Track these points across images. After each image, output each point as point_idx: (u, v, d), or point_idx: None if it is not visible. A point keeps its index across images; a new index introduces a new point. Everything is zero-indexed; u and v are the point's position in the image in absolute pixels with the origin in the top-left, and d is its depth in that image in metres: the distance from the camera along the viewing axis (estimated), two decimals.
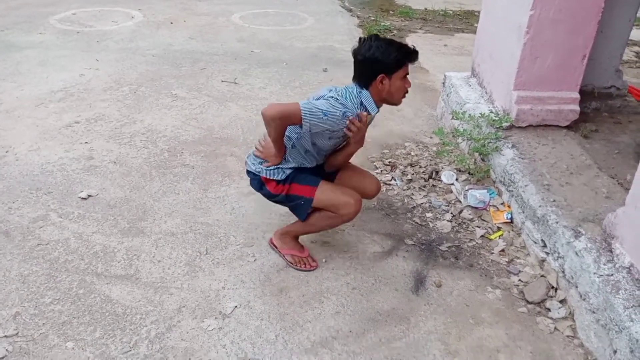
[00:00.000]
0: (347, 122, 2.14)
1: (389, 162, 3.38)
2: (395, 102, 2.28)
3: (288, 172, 2.30)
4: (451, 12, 7.29)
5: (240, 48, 5.53)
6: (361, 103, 2.22)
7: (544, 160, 2.85)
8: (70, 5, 6.82)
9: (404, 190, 3.08)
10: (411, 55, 2.20)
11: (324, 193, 2.26)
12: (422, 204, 2.96)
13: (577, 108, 3.14)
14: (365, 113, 2.19)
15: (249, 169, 2.37)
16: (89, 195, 2.91)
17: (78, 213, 2.77)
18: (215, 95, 4.32)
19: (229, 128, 3.78)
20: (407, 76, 2.24)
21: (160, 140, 3.54)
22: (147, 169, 3.20)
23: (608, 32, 3.33)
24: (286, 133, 2.25)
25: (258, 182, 2.35)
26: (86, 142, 3.47)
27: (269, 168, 2.29)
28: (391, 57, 2.15)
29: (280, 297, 2.28)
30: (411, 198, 3.01)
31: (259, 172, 2.31)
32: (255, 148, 2.38)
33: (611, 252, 2.11)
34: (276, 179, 2.30)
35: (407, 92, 2.27)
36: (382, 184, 3.13)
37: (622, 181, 2.68)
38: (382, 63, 2.15)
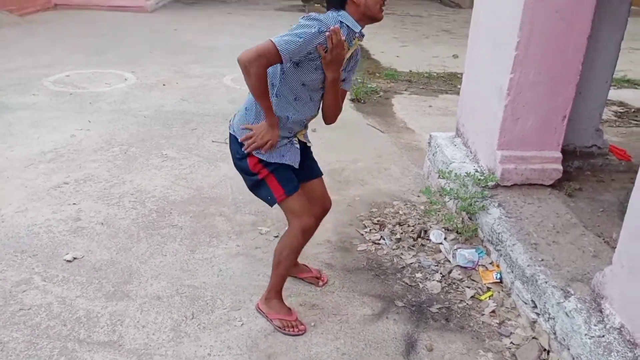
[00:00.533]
0: (326, 38, 2.01)
1: (378, 220, 3.39)
2: (374, 15, 2.13)
3: (275, 154, 2.23)
4: (435, 74, 7.54)
5: (232, 109, 5.63)
6: (341, 24, 2.10)
7: (530, 219, 2.88)
8: (64, 68, 6.97)
9: (393, 249, 3.08)
10: None
11: (289, 202, 2.26)
12: (411, 263, 2.95)
13: (560, 167, 3.21)
14: (337, 27, 2.03)
15: (232, 132, 2.29)
16: (74, 258, 2.87)
17: (62, 276, 2.72)
18: (205, 155, 4.37)
19: (218, 188, 3.80)
20: None
21: (149, 201, 3.54)
22: (134, 230, 3.18)
23: (586, 93, 3.46)
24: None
25: (241, 155, 2.26)
26: (74, 203, 3.46)
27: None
28: None
29: None
30: (400, 258, 3.00)
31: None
32: (242, 142, 2.24)
33: (601, 312, 2.10)
34: (260, 157, 2.22)
35: (383, 4, 2.14)
36: (371, 243, 3.13)
37: (608, 239, 2.71)
38: None
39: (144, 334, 2.35)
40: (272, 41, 1.97)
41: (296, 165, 2.30)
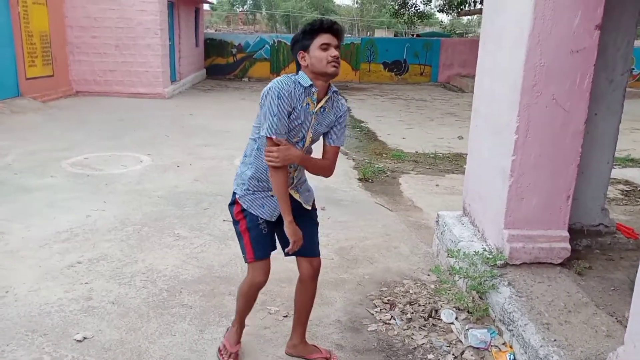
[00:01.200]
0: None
1: (388, 300, 3.38)
2: (326, 71, 2.28)
3: (256, 204, 2.46)
4: (441, 154, 7.74)
5: None
6: (298, 83, 2.31)
7: (541, 298, 2.87)
8: (83, 151, 7.25)
9: (404, 330, 3.05)
10: (319, 24, 2.28)
11: (254, 265, 2.53)
12: (423, 344, 2.91)
13: (568, 246, 3.23)
14: (283, 140, 2.29)
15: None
16: (85, 338, 2.87)
17: (72, 356, 2.71)
18: (216, 234, 4.44)
19: (228, 266, 3.83)
20: (331, 47, 2.27)
21: (160, 280, 3.58)
22: (145, 310, 3.19)
23: (589, 174, 3.56)
24: (250, 136, 2.43)
25: (233, 199, 2.54)
26: (86, 283, 3.50)
27: (243, 192, 2.47)
28: (300, 33, 2.32)
29: None
30: (412, 338, 2.97)
31: (236, 192, 2.51)
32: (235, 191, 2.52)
33: None
34: (242, 204, 2.47)
35: (334, 60, 2.27)
36: (382, 323, 3.11)
37: (621, 319, 2.68)
38: (296, 43, 2.33)
39: None
40: (266, 137, 2.30)
41: (272, 219, 2.48)
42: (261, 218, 2.47)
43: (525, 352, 2.59)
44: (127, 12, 12.87)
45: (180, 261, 3.89)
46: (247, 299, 2.66)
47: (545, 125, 3.10)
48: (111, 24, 12.97)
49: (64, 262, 3.80)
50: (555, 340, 2.46)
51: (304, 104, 2.33)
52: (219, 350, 2.72)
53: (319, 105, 2.37)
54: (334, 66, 2.28)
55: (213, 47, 19.63)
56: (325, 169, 2.49)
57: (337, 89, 2.44)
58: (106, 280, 3.55)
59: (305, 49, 2.30)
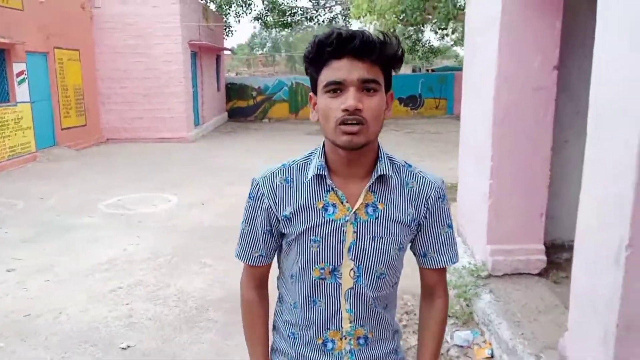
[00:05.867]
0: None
1: None
2: (334, 140, 1.23)
3: None
4: (449, 184, 8.19)
5: None
6: (302, 169, 1.33)
7: (517, 302, 3.31)
8: (116, 193, 7.93)
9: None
10: (323, 40, 1.19)
11: None
12: (415, 345, 3.35)
13: (544, 257, 3.67)
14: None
15: None
16: (128, 346, 3.40)
17: None
18: (237, 262, 4.95)
19: None
20: (348, 87, 1.19)
21: (190, 300, 4.11)
22: (177, 324, 3.72)
23: (562, 194, 4.00)
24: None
25: None
26: (127, 304, 4.05)
27: None
28: (304, 57, 1.26)
29: None
30: (406, 341, 3.41)
31: None
32: None
33: None
34: None
35: (349, 119, 1.18)
36: None
37: None
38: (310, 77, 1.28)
39: None
40: (243, 266, 1.48)
41: None
42: None
43: (500, 347, 3.02)
44: (153, 63, 13.88)
45: (207, 285, 4.42)
46: None
47: (515, 153, 3.59)
48: (139, 75, 13.97)
49: (107, 288, 4.37)
50: (522, 334, 2.89)
51: (319, 206, 1.29)
52: None
53: (359, 202, 1.29)
54: (347, 132, 1.20)
55: (234, 91, 20.62)
56: (437, 320, 1.42)
57: (401, 161, 1.39)
58: (143, 301, 4.10)
59: (315, 89, 1.26)
